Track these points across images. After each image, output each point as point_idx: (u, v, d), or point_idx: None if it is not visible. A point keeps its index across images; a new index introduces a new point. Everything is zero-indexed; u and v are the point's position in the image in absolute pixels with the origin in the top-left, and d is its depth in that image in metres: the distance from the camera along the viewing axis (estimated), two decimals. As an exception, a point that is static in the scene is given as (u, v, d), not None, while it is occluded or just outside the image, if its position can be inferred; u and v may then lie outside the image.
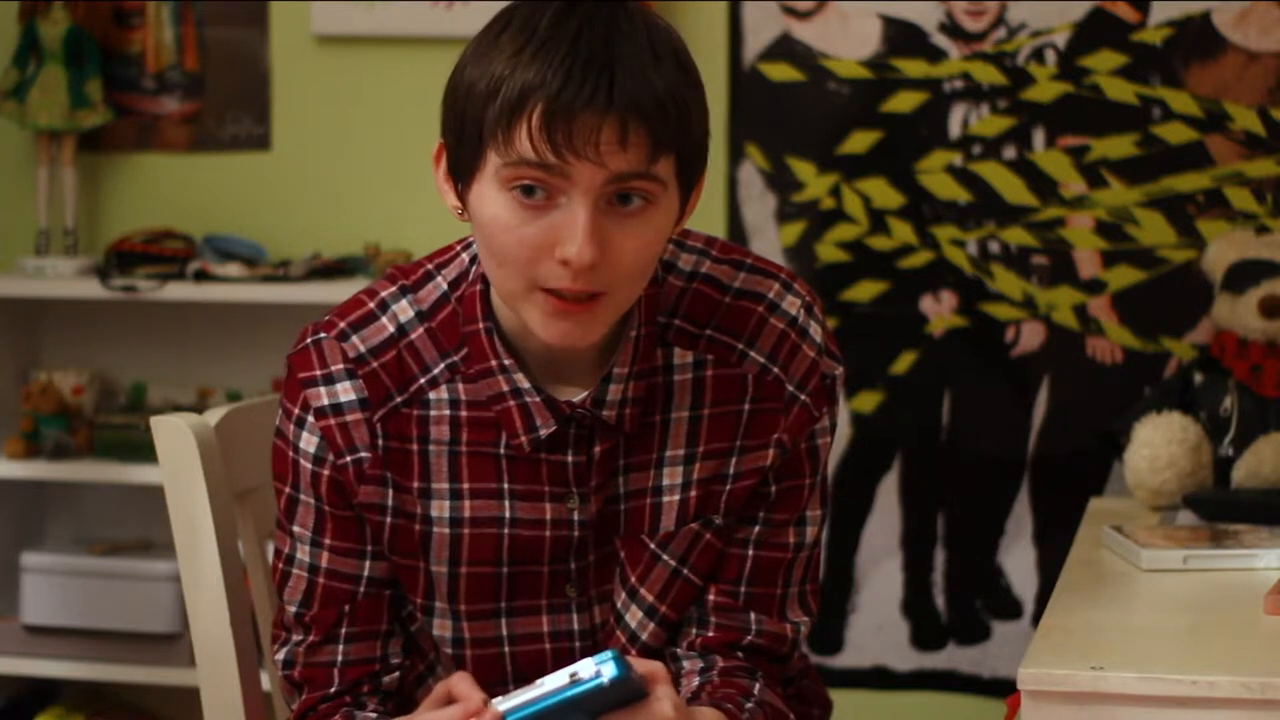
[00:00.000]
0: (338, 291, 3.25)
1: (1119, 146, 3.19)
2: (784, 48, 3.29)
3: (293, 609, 1.84)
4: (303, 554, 1.83)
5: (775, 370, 1.83)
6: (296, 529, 1.83)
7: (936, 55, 3.24)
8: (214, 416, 2.01)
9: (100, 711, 3.49)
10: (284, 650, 1.86)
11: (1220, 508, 2.60)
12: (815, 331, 1.85)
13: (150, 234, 3.41)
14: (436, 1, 3.37)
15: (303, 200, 3.49)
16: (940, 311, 3.27)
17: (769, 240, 3.29)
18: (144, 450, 3.19)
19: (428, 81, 3.41)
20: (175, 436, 1.97)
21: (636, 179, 1.66)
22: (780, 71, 3.29)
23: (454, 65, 1.72)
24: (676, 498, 1.83)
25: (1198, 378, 2.90)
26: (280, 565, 1.85)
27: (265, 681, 2.04)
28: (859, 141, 3.27)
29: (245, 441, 2.04)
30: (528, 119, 1.63)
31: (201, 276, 3.33)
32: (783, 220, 3.30)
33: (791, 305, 1.84)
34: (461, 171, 1.72)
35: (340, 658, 1.84)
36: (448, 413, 1.80)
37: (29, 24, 3.44)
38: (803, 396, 1.84)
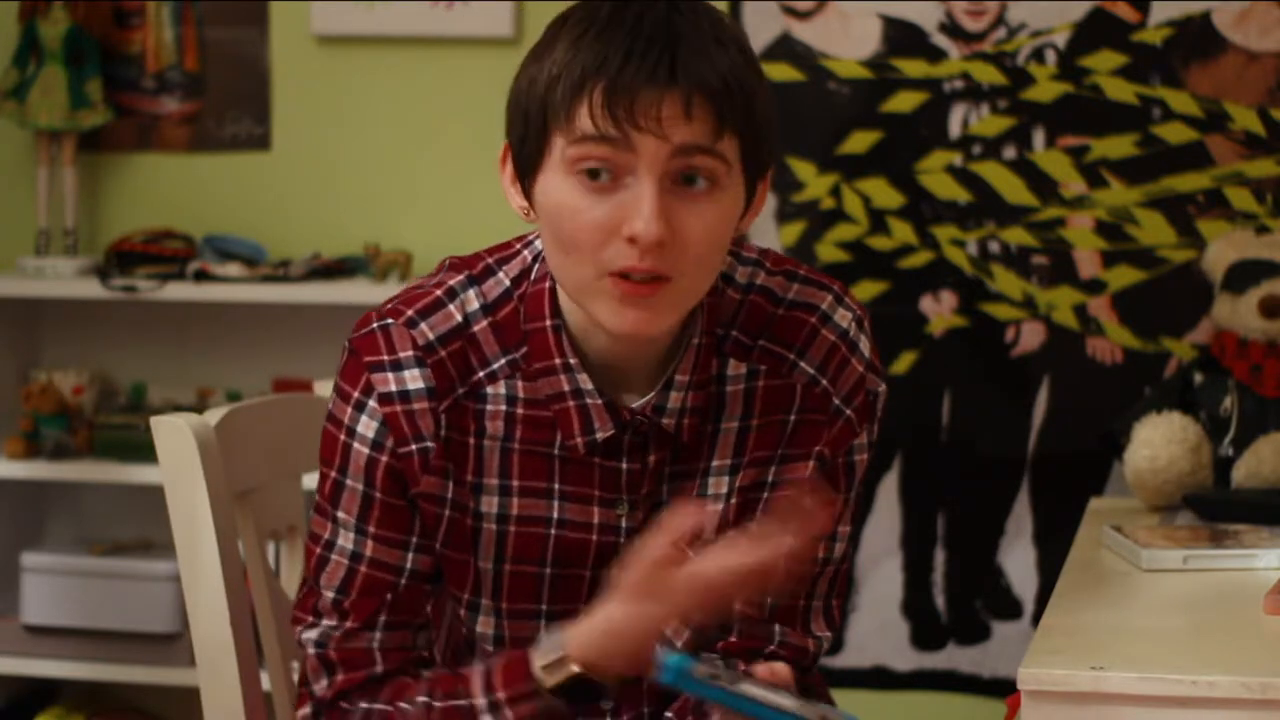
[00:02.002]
0: (338, 291, 3.26)
1: (1119, 146, 3.19)
2: (784, 48, 3.29)
3: (330, 594, 1.81)
4: (345, 540, 1.81)
5: (824, 382, 1.83)
6: (340, 514, 1.81)
7: (936, 55, 3.24)
8: (214, 416, 2.01)
9: (100, 711, 3.49)
10: (316, 632, 1.82)
11: (1220, 508, 2.60)
12: (864, 346, 1.85)
13: (150, 234, 3.41)
14: (436, 1, 3.37)
15: (303, 200, 3.49)
16: (940, 311, 3.27)
17: (769, 240, 3.29)
18: (144, 450, 3.19)
19: (428, 81, 3.43)
20: (175, 436, 1.97)
21: (700, 154, 1.67)
22: (780, 71, 3.29)
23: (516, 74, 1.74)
24: (720, 507, 1.83)
25: (1198, 378, 2.91)
26: (318, 550, 1.82)
27: (265, 681, 2.04)
28: (859, 141, 3.27)
29: (245, 441, 2.04)
30: (589, 96, 1.65)
31: (201, 276, 3.33)
32: (783, 220, 3.30)
33: (843, 318, 1.84)
34: (528, 165, 1.72)
35: (379, 644, 1.82)
36: (504, 408, 1.79)
37: (29, 24, 3.44)
38: (848, 411, 1.84)
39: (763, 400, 1.82)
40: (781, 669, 1.71)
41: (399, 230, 3.42)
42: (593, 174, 1.67)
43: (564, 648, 1.72)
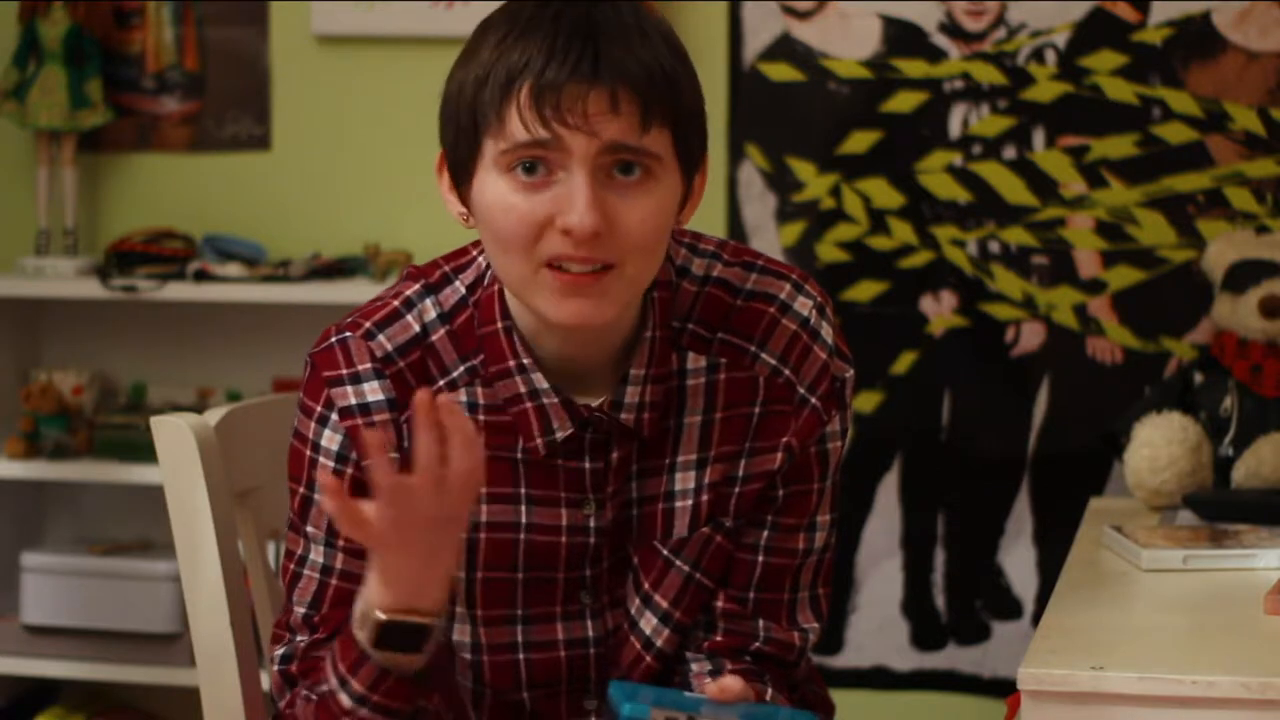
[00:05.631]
0: (338, 291, 3.26)
1: (1119, 146, 3.19)
2: (784, 48, 3.29)
3: (302, 610, 1.82)
4: (316, 555, 1.81)
5: (786, 372, 1.82)
6: (310, 529, 1.81)
7: (936, 55, 3.24)
8: (214, 416, 2.01)
9: (100, 711, 3.49)
10: (285, 647, 1.83)
11: (1220, 508, 2.60)
12: (827, 333, 1.84)
13: (150, 234, 3.41)
14: (436, 1, 3.37)
15: (303, 200, 3.49)
16: (940, 311, 3.27)
17: (769, 240, 3.29)
18: (144, 450, 3.19)
19: (428, 81, 3.39)
20: (175, 436, 1.97)
21: (630, 150, 1.67)
22: (780, 71, 3.29)
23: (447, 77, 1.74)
24: (689, 503, 1.82)
25: (1198, 378, 2.91)
26: (291, 566, 1.83)
27: (265, 681, 2.04)
28: (859, 141, 3.27)
29: (245, 441, 2.04)
30: (517, 98, 1.65)
31: (201, 276, 3.33)
32: (783, 220, 3.30)
33: (803, 306, 1.84)
34: (462, 170, 1.73)
35: None
36: (466, 416, 1.79)
37: (29, 24, 3.44)
38: (813, 400, 1.83)
39: (725, 393, 1.82)
40: (731, 684, 1.68)
41: (399, 230, 3.42)
42: (528, 168, 1.67)
43: (366, 601, 1.68)
